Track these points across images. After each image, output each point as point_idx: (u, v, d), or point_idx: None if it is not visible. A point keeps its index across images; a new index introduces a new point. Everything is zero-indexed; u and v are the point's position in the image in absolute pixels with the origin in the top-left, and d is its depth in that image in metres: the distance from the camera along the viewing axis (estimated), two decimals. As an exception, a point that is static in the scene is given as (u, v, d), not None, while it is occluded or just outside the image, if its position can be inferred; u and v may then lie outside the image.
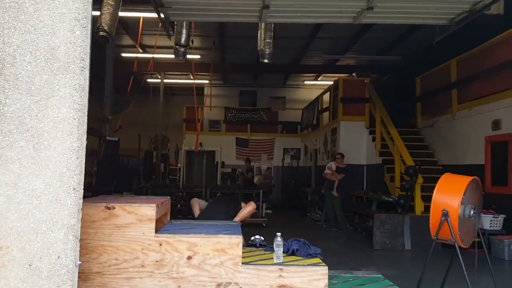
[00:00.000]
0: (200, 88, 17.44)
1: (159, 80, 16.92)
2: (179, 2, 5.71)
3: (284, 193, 16.44)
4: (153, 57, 12.00)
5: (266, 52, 8.10)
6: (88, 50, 2.98)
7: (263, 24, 7.95)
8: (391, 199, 8.87)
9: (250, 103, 18.14)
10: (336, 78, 13.25)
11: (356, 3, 5.43)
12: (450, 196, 4.24)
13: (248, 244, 4.13)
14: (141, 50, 13.77)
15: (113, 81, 10.65)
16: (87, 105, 2.94)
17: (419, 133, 11.43)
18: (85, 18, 2.94)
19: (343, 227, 10.17)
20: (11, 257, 2.74)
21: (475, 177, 4.48)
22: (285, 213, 14.02)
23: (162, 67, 14.94)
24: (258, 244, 4.03)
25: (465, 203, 4.35)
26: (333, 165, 10.28)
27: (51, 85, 2.83)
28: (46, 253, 2.76)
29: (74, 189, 2.82)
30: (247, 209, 4.72)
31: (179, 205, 11.51)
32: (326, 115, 13.64)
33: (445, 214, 4.17)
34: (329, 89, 13.42)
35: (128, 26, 12.14)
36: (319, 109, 14.23)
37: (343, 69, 15.10)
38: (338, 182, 10.02)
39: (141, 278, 3.31)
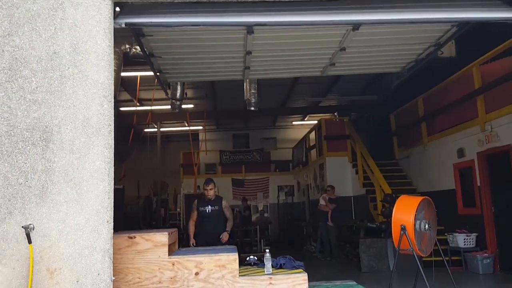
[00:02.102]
0: (195, 134, 18.52)
1: (156, 130, 18.01)
2: (175, 68, 6.81)
3: (281, 228, 17.21)
4: (151, 110, 13.10)
5: (252, 101, 9.24)
6: (113, 118, 4.01)
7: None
8: (375, 225, 9.75)
9: (243, 145, 19.23)
10: (320, 118, 14.42)
11: (321, 60, 6.54)
12: (405, 213, 5.18)
13: (244, 264, 5.01)
14: (138, 104, 14.92)
15: (116, 133, 11.66)
16: (113, 157, 3.93)
17: (398, 164, 12.44)
18: (110, 95, 4.00)
19: (337, 256, 10.98)
20: (63, 276, 3.65)
21: (426, 197, 5.44)
22: (283, 248, 14.72)
23: (159, 117, 16.06)
24: (252, 263, 4.90)
25: (420, 218, 5.29)
26: (325, 196, 11.23)
27: (87, 145, 3.84)
28: (89, 271, 3.67)
29: (107, 221, 3.77)
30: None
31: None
32: (313, 152, 14.70)
33: (403, 229, 5.10)
34: (314, 128, 14.56)
35: (126, 83, 13.31)
36: (307, 147, 15.31)
37: (326, 110, 16.27)
38: (331, 212, 10.94)
39: (159, 292, 4.19)
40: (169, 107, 15.16)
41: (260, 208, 16.80)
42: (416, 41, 6.08)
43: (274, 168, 18.50)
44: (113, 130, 3.99)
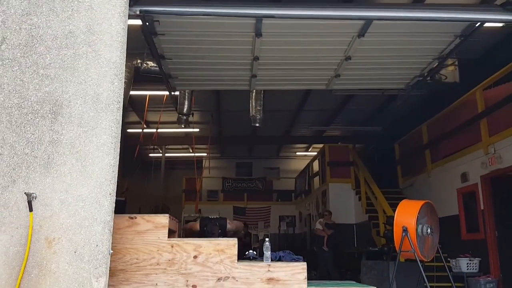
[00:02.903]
0: (198, 162, 18.59)
1: (161, 155, 18.12)
2: (184, 74, 6.98)
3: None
4: (157, 130, 13.26)
5: (257, 118, 9.39)
6: (122, 95, 4.11)
7: (253, 93, 9.33)
8: (377, 249, 9.60)
9: (246, 174, 19.27)
10: (324, 144, 14.49)
11: (326, 71, 6.69)
12: (407, 216, 5.15)
13: (243, 258, 4.94)
14: (145, 126, 15.12)
15: (122, 150, 11.78)
16: (120, 133, 3.99)
17: (402, 192, 12.37)
18: (121, 73, 4.12)
19: (336, 282, 10.74)
20: (61, 246, 3.63)
21: (428, 200, 5.42)
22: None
23: (164, 140, 16.21)
24: (251, 257, 4.85)
25: (422, 222, 5.25)
26: (322, 221, 11.11)
27: (96, 120, 3.92)
28: (87, 242, 3.65)
29: (110, 194, 3.79)
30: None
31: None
32: (316, 180, 14.67)
33: (405, 230, 5.06)
34: (317, 155, 14.60)
35: (135, 103, 13.56)
36: (310, 175, 15.29)
37: (329, 140, 16.31)
38: (327, 237, 10.79)
39: (156, 274, 4.12)
40: (174, 130, 15.45)
41: (261, 238, 16.58)
42: (420, 53, 6.23)
43: (276, 197, 18.42)
44: (122, 107, 4.07)
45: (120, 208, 9.96)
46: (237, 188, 17.72)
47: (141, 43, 6.58)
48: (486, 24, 6.73)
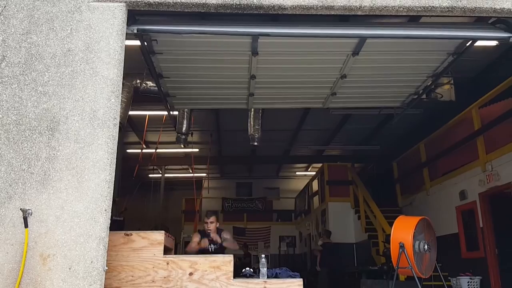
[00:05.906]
0: (198, 182, 18.56)
1: (160, 175, 18.10)
2: (181, 93, 7.05)
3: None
4: (156, 150, 13.30)
5: (256, 137, 9.44)
6: (119, 112, 4.16)
7: (252, 112, 9.40)
8: (377, 268, 9.51)
9: (246, 194, 19.21)
10: (323, 163, 14.50)
11: (322, 90, 6.77)
12: (404, 232, 5.13)
13: (240, 275, 4.91)
14: (145, 146, 15.16)
15: (121, 170, 11.79)
16: (116, 149, 4.03)
17: (401, 211, 12.30)
18: (118, 90, 4.17)
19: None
20: (56, 263, 3.63)
21: (425, 216, 5.41)
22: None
23: (164, 161, 16.23)
24: (248, 275, 4.81)
25: (419, 239, 5.23)
26: (320, 241, 11.06)
27: (92, 136, 3.96)
28: (82, 259, 3.64)
29: (105, 210, 3.80)
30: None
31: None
32: (316, 199, 14.63)
33: (402, 246, 5.04)
34: (316, 175, 14.60)
35: (134, 123, 13.63)
36: (310, 194, 15.25)
37: (328, 159, 16.31)
38: (320, 257, 10.72)
39: (151, 291, 4.10)
40: (174, 150, 15.49)
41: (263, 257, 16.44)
42: (413, 71, 6.31)
43: (276, 217, 18.33)
44: (118, 123, 4.12)
45: (118, 227, 9.94)
46: (237, 208, 17.66)
47: (141, 63, 6.66)
48: (480, 43, 6.86)
